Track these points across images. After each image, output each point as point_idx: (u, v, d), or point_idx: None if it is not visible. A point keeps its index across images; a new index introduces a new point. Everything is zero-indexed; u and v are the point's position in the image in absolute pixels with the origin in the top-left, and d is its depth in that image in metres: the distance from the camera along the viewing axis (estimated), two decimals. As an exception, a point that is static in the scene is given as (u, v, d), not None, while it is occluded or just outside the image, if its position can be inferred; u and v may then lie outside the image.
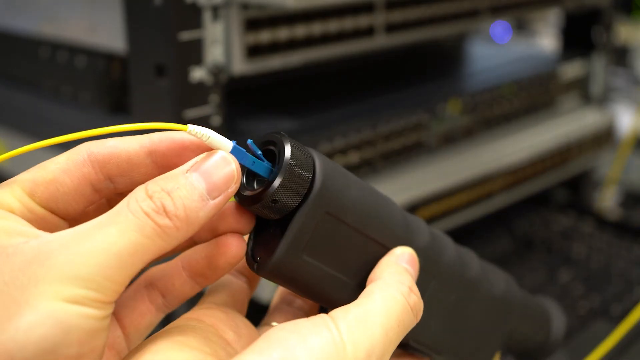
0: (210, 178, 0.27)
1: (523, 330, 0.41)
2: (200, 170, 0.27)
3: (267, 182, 0.29)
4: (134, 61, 0.53)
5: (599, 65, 0.87)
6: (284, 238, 0.29)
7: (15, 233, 0.26)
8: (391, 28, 0.62)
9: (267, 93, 0.72)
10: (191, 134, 0.28)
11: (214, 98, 0.52)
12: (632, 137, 0.91)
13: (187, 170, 0.27)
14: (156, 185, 0.27)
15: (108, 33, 0.60)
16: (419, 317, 0.31)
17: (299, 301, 0.37)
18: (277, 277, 0.31)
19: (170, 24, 0.49)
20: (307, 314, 0.36)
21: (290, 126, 0.63)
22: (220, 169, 0.28)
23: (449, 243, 0.37)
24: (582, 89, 0.87)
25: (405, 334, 0.30)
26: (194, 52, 0.51)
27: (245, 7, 0.52)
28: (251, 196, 0.29)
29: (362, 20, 0.59)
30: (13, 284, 0.24)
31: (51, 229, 0.28)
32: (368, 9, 0.60)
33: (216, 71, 0.52)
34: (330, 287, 0.31)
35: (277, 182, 0.29)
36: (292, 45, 0.56)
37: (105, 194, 0.30)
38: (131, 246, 0.25)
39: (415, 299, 0.31)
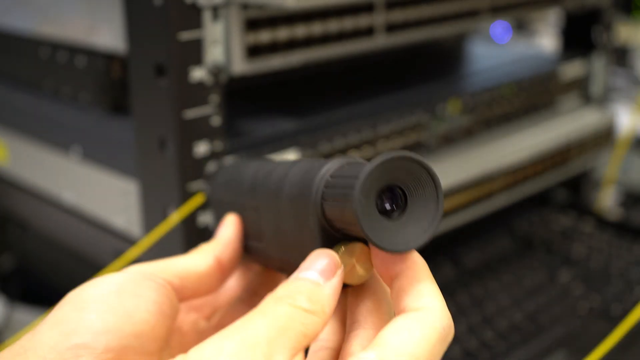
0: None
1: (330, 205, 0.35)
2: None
3: None
4: (134, 61, 0.53)
5: (599, 65, 0.87)
6: None
7: None
8: (391, 28, 0.62)
9: (267, 93, 0.72)
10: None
11: (214, 98, 0.52)
12: (628, 136, 0.91)
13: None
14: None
15: (108, 33, 0.60)
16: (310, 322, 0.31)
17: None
18: None
19: (170, 24, 0.49)
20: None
21: (290, 126, 0.63)
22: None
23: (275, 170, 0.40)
24: (582, 89, 0.87)
25: (300, 340, 0.31)
26: (194, 52, 0.51)
27: (245, 7, 0.52)
28: None
29: (362, 20, 0.59)
30: None
31: None
32: (368, 9, 0.60)
33: (216, 71, 0.52)
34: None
35: None
36: (292, 45, 0.56)
37: None
38: None
39: (294, 305, 0.31)
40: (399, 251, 0.31)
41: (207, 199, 0.52)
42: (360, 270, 0.34)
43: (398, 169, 0.32)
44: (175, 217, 0.53)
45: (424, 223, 0.32)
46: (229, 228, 0.43)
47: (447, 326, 0.31)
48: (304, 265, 0.33)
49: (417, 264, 0.32)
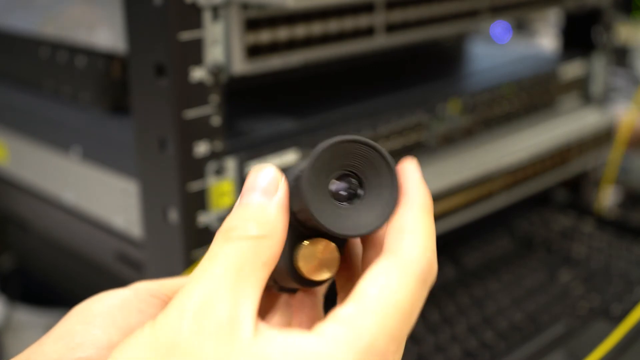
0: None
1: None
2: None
3: None
4: (134, 61, 0.53)
5: (599, 65, 0.87)
6: None
7: None
8: (391, 28, 0.62)
9: (267, 93, 0.72)
10: None
11: (214, 98, 0.52)
12: (626, 135, 0.91)
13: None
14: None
15: (108, 33, 0.60)
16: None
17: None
18: None
19: (170, 24, 0.49)
20: None
21: (291, 126, 0.63)
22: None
23: None
24: (582, 89, 0.87)
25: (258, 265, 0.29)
26: (194, 52, 0.51)
27: (245, 7, 0.52)
28: None
29: (362, 20, 0.59)
30: None
31: None
32: (368, 9, 0.60)
33: (216, 71, 0.52)
34: None
35: None
36: (292, 45, 0.56)
37: None
38: None
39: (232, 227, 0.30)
40: (348, 236, 0.31)
41: None
42: (323, 266, 0.33)
43: (354, 154, 0.31)
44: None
45: (379, 210, 0.31)
46: None
47: (423, 269, 0.29)
48: (245, 187, 0.31)
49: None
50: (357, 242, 0.35)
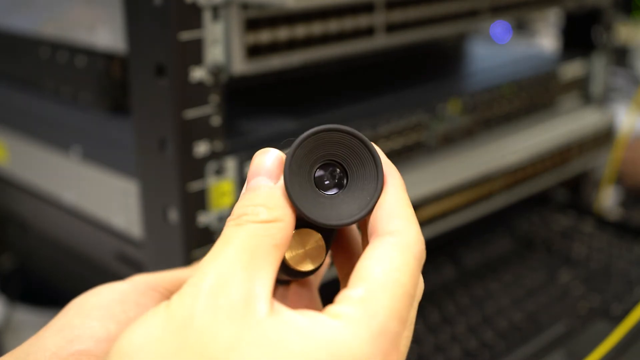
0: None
1: None
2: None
3: None
4: (134, 61, 0.53)
5: (599, 65, 0.87)
6: None
7: None
8: (391, 28, 0.62)
9: (267, 93, 0.72)
10: None
11: (214, 98, 0.52)
12: (627, 135, 0.91)
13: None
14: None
15: (108, 33, 0.60)
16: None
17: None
18: None
19: (170, 24, 0.49)
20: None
21: (290, 126, 0.63)
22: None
23: None
24: (582, 89, 0.87)
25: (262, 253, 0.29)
26: (194, 52, 0.51)
27: (245, 7, 0.52)
28: None
29: (362, 20, 0.59)
30: None
31: None
32: (368, 9, 0.60)
33: (216, 71, 0.52)
34: None
35: None
36: (292, 45, 0.56)
37: None
38: None
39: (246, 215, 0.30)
40: (332, 226, 0.31)
41: None
42: (309, 256, 0.33)
43: (338, 144, 0.31)
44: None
45: (362, 201, 0.31)
46: None
47: (420, 249, 0.30)
48: (251, 171, 0.31)
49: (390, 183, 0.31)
50: (354, 227, 0.35)
